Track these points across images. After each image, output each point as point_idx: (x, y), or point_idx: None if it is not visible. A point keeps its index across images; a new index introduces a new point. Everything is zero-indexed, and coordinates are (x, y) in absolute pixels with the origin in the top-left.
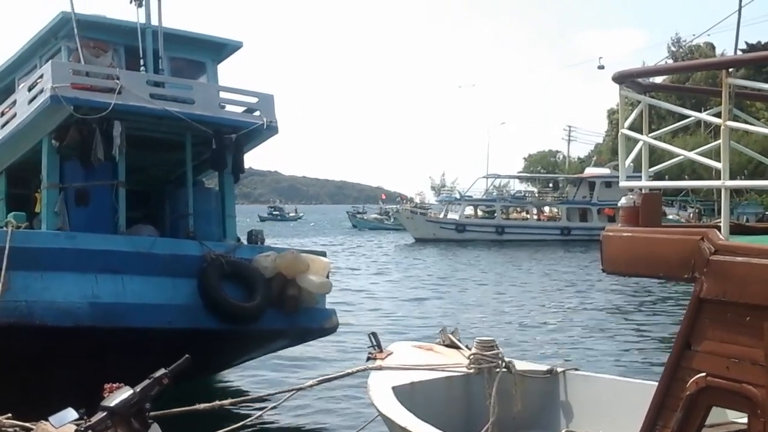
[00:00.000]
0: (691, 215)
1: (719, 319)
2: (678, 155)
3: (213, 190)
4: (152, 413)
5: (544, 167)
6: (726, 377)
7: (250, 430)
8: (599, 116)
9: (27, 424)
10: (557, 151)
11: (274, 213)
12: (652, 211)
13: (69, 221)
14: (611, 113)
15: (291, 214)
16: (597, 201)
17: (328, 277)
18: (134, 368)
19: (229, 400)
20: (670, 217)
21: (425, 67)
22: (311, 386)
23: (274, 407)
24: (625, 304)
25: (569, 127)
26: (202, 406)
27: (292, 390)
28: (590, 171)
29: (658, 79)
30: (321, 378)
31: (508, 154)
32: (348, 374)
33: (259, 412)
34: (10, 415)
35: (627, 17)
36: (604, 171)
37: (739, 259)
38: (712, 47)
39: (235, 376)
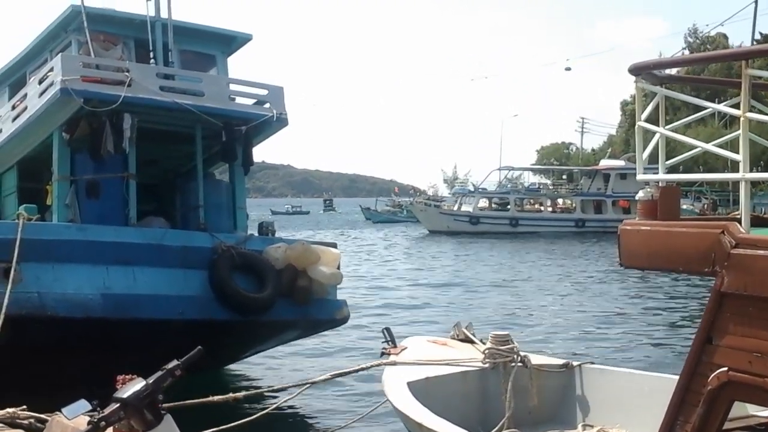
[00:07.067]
0: (705, 206)
1: (741, 313)
2: (695, 147)
3: (223, 182)
4: (166, 404)
5: (557, 159)
6: (748, 372)
7: (263, 422)
8: (613, 108)
9: (42, 416)
10: (570, 143)
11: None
12: (671, 204)
13: (80, 213)
14: (624, 105)
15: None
16: (612, 193)
17: (338, 268)
18: (146, 359)
19: (243, 393)
20: (684, 207)
21: (438, 60)
22: (325, 380)
23: (286, 400)
24: (643, 297)
25: (582, 119)
26: (216, 398)
27: (306, 383)
28: (605, 163)
29: (674, 71)
30: (335, 372)
31: (521, 146)
32: (362, 369)
33: (273, 405)
34: (24, 407)
35: (646, 5)
36: (619, 163)
37: (761, 252)
38: (725, 38)
39: (248, 368)
